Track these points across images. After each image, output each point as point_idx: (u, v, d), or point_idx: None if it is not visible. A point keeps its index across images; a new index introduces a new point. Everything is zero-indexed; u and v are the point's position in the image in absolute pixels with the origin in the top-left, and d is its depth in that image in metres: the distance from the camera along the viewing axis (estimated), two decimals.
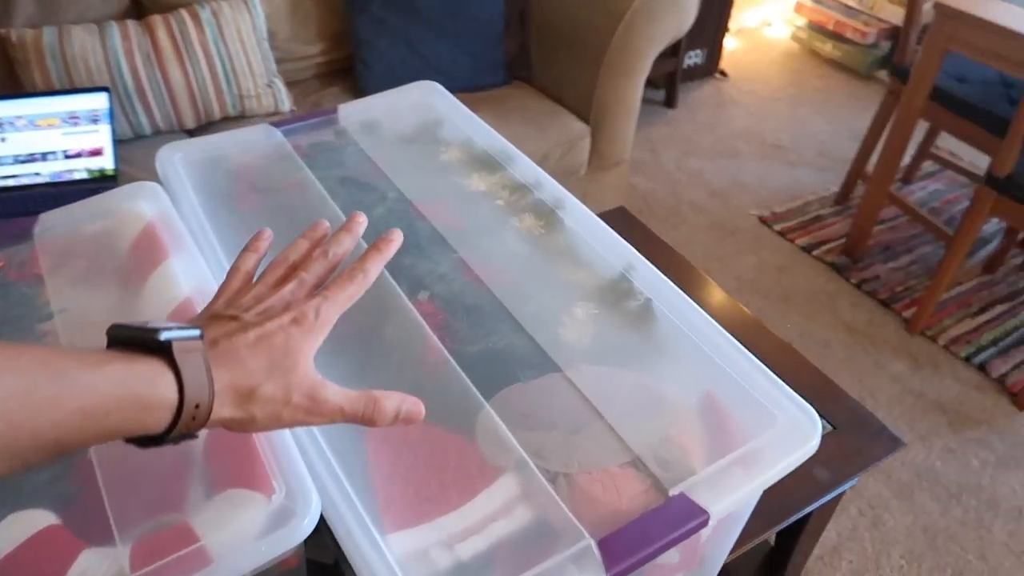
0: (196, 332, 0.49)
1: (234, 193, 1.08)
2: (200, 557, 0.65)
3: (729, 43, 3.38)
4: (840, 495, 1.23)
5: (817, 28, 3.44)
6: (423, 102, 1.35)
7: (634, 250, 1.04)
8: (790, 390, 0.85)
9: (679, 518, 0.71)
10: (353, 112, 1.30)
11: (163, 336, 0.46)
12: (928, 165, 2.70)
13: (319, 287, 0.59)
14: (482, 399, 0.83)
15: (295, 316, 0.54)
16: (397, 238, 0.62)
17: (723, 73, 3.27)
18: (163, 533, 0.67)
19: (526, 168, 1.19)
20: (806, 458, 0.80)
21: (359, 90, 2.05)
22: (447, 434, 0.81)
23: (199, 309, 0.86)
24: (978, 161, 2.72)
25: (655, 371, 0.90)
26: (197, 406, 0.47)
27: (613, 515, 0.72)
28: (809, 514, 1.21)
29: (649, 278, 1.01)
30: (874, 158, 2.29)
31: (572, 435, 0.80)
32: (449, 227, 1.09)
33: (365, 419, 0.56)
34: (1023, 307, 2.16)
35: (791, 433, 0.81)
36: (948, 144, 2.73)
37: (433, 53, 2.06)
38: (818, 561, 1.53)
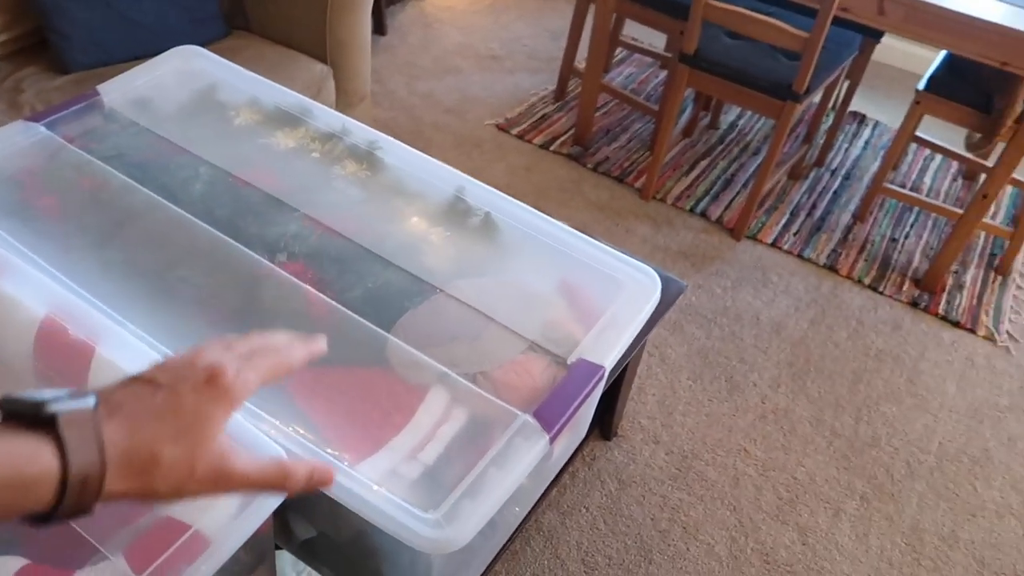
0: (90, 401, 0.46)
1: (27, 204, 0.99)
2: (198, 541, 0.68)
3: None
4: (645, 342, 1.48)
5: None
6: (188, 68, 1.31)
7: (458, 172, 1.14)
8: (627, 257, 1.03)
9: (584, 377, 0.86)
10: (115, 90, 1.23)
11: (50, 408, 0.44)
12: (619, 52, 3.05)
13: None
14: (384, 333, 0.91)
15: (210, 377, 0.50)
16: (323, 346, 0.59)
17: None
18: (152, 532, 0.68)
19: (328, 116, 1.23)
20: (654, 308, 0.99)
21: (65, 65, 1.84)
22: (366, 370, 0.88)
23: (64, 324, 0.84)
24: (656, 42, 3.14)
25: (515, 271, 1.03)
26: (85, 480, 0.44)
27: (533, 392, 0.85)
28: (627, 363, 1.45)
29: (480, 194, 1.12)
30: (578, 54, 2.55)
31: (474, 340, 0.91)
32: (278, 188, 1.11)
33: (276, 488, 0.53)
34: (720, 159, 2.61)
35: (639, 292, 0.99)
36: (631, 31, 3.10)
37: (138, 11, 1.90)
38: (631, 402, 1.81)
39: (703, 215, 2.38)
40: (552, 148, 2.57)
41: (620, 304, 0.95)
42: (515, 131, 2.62)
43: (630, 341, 0.92)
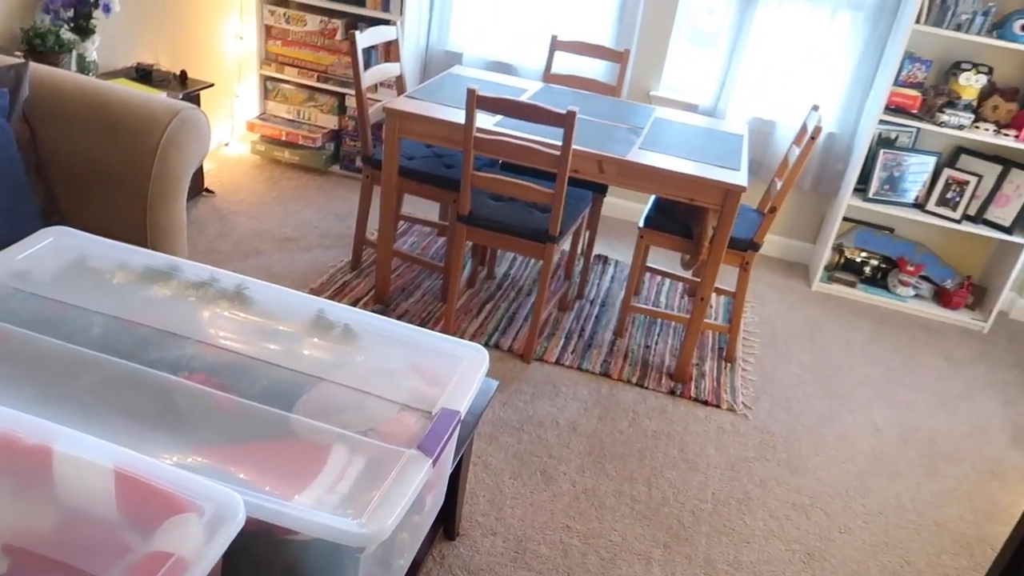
0: None
1: None
2: (180, 565, 0.87)
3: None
4: (471, 442, 1.78)
5: (272, 141, 4.06)
6: (58, 244, 1.51)
7: (314, 296, 1.43)
8: (458, 339, 1.36)
9: (448, 419, 1.16)
10: None
11: None
12: (401, 225, 3.51)
13: None
14: (287, 413, 1.16)
15: None
16: None
17: (210, 191, 3.64)
18: (137, 566, 0.85)
19: (195, 269, 1.48)
20: (486, 372, 1.32)
21: None
22: (278, 442, 1.11)
23: (16, 433, 1.00)
24: (430, 214, 3.65)
25: (375, 360, 1.33)
26: None
27: (412, 436, 1.13)
28: (461, 459, 1.73)
29: (337, 311, 1.42)
30: (367, 228, 2.95)
31: (358, 409, 1.18)
32: (168, 325, 1.33)
33: None
34: (501, 301, 3.07)
35: (474, 361, 1.32)
36: (408, 208, 3.59)
37: None
38: (467, 505, 2.06)
39: (496, 346, 2.78)
40: (357, 308, 2.88)
41: (462, 369, 1.27)
42: (324, 296, 2.91)
43: (475, 393, 1.23)
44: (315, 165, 4.05)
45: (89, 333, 1.25)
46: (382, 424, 1.15)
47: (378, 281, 2.92)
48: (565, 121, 2.30)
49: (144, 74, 3.32)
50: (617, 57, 3.30)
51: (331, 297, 2.93)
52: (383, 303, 2.94)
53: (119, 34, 3.31)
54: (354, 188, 3.95)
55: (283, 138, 4.02)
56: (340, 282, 3.04)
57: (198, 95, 3.41)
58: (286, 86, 4.02)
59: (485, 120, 2.66)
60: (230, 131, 4.23)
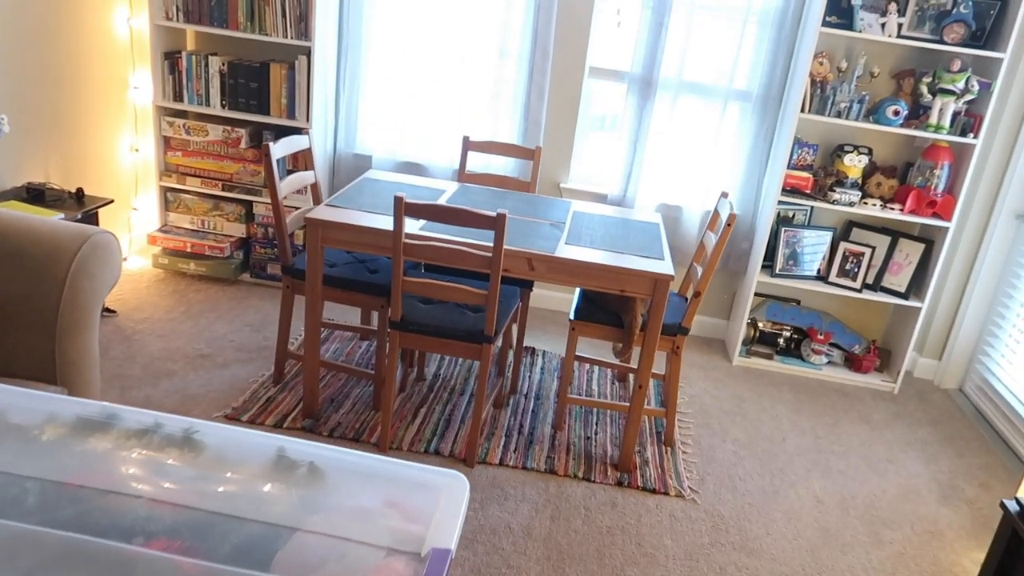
0: None
1: None
2: None
3: None
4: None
5: (176, 253, 3.89)
6: None
7: (271, 434, 1.34)
8: (432, 467, 1.30)
9: (440, 560, 1.09)
10: None
11: None
12: (322, 332, 3.40)
13: None
14: (265, 575, 1.06)
15: None
16: None
17: (111, 311, 3.43)
18: None
19: (136, 415, 1.36)
20: (467, 504, 1.25)
21: None
22: None
23: None
24: (350, 319, 3.55)
25: (349, 499, 1.24)
26: None
27: None
28: None
29: (299, 448, 1.33)
30: (290, 338, 2.83)
31: (341, 559, 1.09)
32: (111, 483, 1.21)
33: None
34: (435, 404, 2.99)
35: (454, 489, 1.26)
36: (325, 313, 3.49)
37: None
38: None
39: (437, 452, 2.69)
40: (285, 425, 2.73)
41: (442, 500, 1.21)
42: (245, 417, 2.75)
43: (460, 526, 1.16)
44: (224, 275, 3.89)
45: (23, 503, 1.12)
46: (370, 574, 1.06)
47: (306, 395, 2.79)
48: (496, 224, 2.31)
49: (36, 194, 3.13)
50: (529, 154, 3.38)
51: (256, 416, 2.77)
52: (312, 417, 2.80)
53: (7, 153, 3.13)
54: (266, 296, 3.81)
55: (188, 249, 3.86)
56: (264, 398, 2.89)
57: (96, 213, 3.24)
58: (188, 196, 3.89)
59: (410, 224, 2.64)
60: (128, 246, 4.03)
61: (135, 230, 4.02)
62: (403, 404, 2.97)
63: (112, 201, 3.35)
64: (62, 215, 3.02)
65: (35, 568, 1.00)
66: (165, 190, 3.90)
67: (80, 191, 3.25)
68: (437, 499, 1.22)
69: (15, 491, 1.12)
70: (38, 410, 1.33)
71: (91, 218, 3.20)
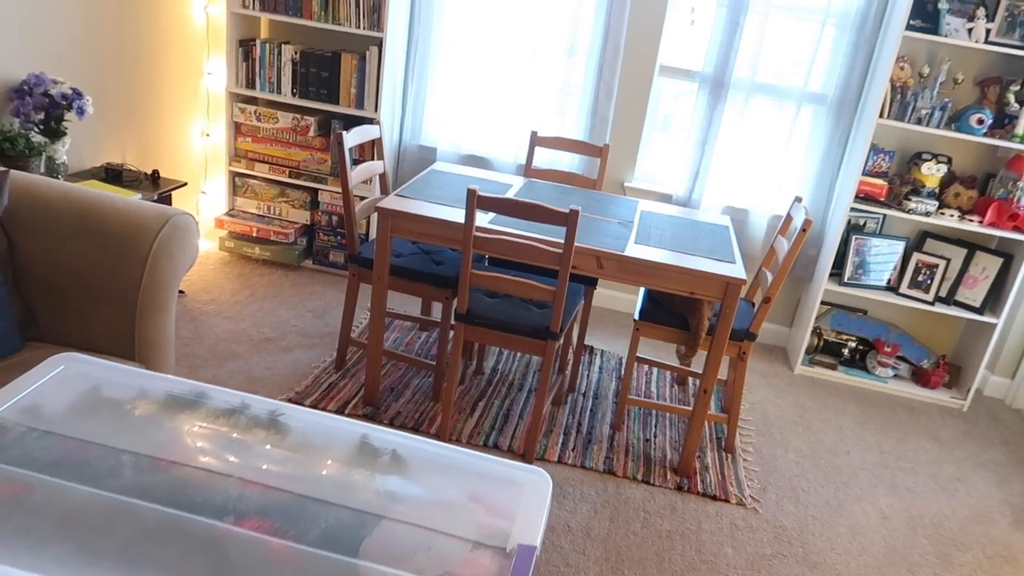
0: None
1: None
2: None
3: None
4: None
5: (241, 237, 3.96)
6: (67, 374, 1.39)
7: (357, 421, 1.34)
8: (516, 463, 1.29)
9: (526, 557, 1.08)
10: None
11: None
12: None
13: None
14: (354, 559, 1.06)
15: None
16: None
17: (181, 292, 3.50)
18: None
19: (225, 395, 1.38)
20: (549, 504, 1.25)
21: None
22: None
23: None
24: (409, 309, 3.57)
25: (433, 490, 1.24)
26: None
27: None
28: None
29: (382, 436, 1.34)
30: (355, 327, 2.85)
31: (428, 551, 1.09)
32: (203, 462, 1.23)
33: None
34: (494, 398, 2.99)
35: (537, 486, 1.25)
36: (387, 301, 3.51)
37: None
38: None
39: (495, 446, 2.68)
40: (347, 412, 2.76)
41: (526, 497, 1.19)
42: (307, 402, 2.78)
43: (545, 523, 1.15)
44: (288, 260, 3.95)
45: (119, 476, 1.14)
46: (457, 566, 1.05)
47: (368, 383, 2.81)
48: (568, 220, 2.29)
49: (114, 175, 3.22)
50: (597, 152, 3.35)
51: (318, 402, 2.80)
52: (373, 405, 2.82)
53: (87, 135, 3.22)
54: (328, 283, 3.86)
55: (254, 234, 3.93)
56: (326, 384, 2.92)
57: (170, 195, 3.32)
58: (255, 182, 3.96)
59: (480, 218, 2.64)
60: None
61: (203, 213, 4.11)
62: (461, 396, 2.97)
63: (186, 184, 3.42)
64: (140, 196, 3.10)
65: (135, 537, 1.02)
66: (234, 175, 3.97)
67: (156, 173, 3.32)
68: (521, 495, 1.21)
69: (111, 464, 1.15)
70: (130, 385, 1.36)
71: (166, 199, 3.27)
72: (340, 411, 2.76)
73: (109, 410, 1.28)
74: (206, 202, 4.13)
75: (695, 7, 3.69)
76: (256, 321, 3.35)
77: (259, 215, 4.01)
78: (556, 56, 3.74)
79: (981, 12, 3.20)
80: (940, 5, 3.24)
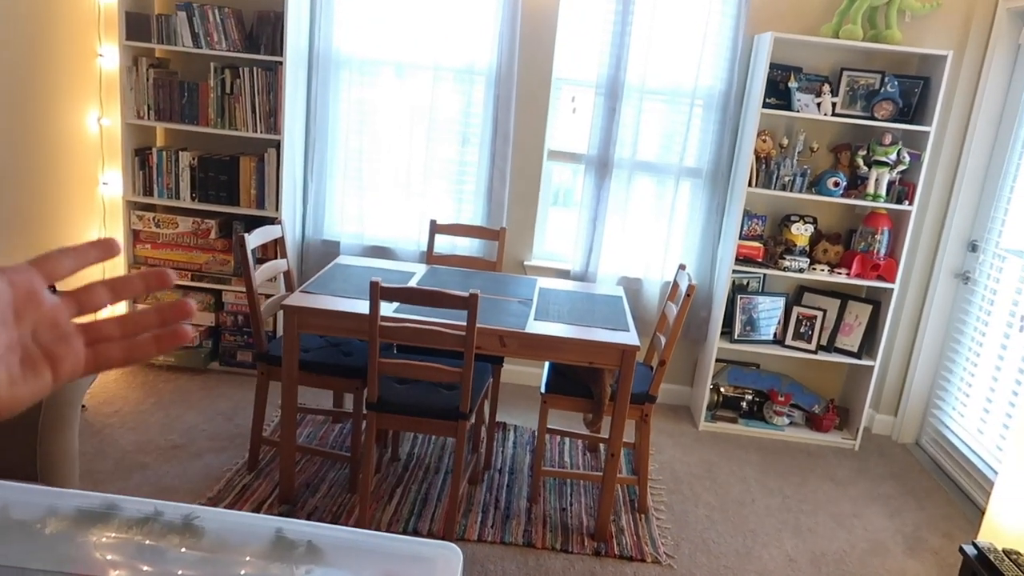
0: None
1: None
2: None
3: None
4: None
5: None
6: None
7: (271, 517, 1.39)
8: (426, 540, 1.36)
9: None
10: None
11: None
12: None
13: None
14: None
15: None
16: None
17: (82, 406, 3.41)
18: None
19: (136, 504, 1.40)
20: (460, 573, 1.32)
21: None
22: None
23: None
24: (322, 403, 3.58)
25: (351, 574, 1.29)
26: None
27: None
28: None
29: (297, 528, 1.38)
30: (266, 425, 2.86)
31: None
32: (120, 574, 1.25)
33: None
34: (411, 483, 3.02)
35: (450, 560, 1.32)
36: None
37: None
38: None
39: (415, 532, 2.71)
40: (262, 512, 2.73)
41: (438, 572, 1.26)
42: (221, 506, 2.74)
43: None
44: (194, 364, 3.91)
45: None
46: None
47: (283, 480, 2.80)
48: (468, 303, 2.41)
49: None
50: (494, 235, 3.52)
51: (232, 504, 2.77)
52: (289, 503, 2.81)
53: None
54: (236, 384, 3.83)
55: None
56: (239, 486, 2.89)
57: None
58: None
59: (385, 307, 2.73)
60: None
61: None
62: (379, 485, 2.99)
63: None
64: None
65: None
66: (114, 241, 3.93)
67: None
68: (433, 570, 1.27)
69: None
70: (38, 504, 1.37)
71: None
72: (256, 512, 2.73)
73: (17, 531, 1.29)
74: (106, 312, 4.06)
75: (575, 96, 3.97)
76: (163, 429, 3.29)
77: None
78: (451, 145, 3.93)
79: (826, 88, 3.59)
80: (790, 84, 3.61)
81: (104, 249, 0.63)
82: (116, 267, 4.00)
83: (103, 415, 3.37)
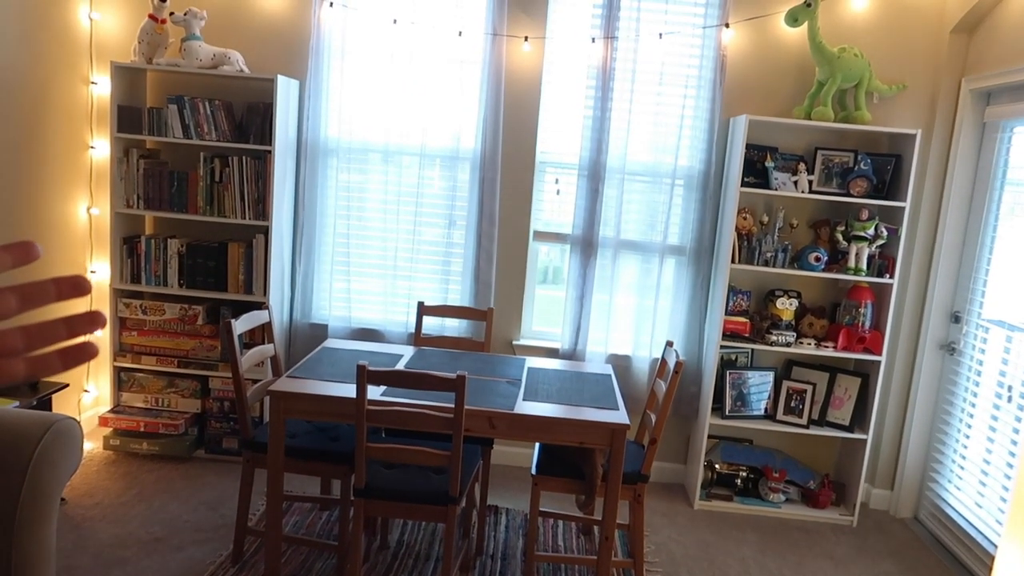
0: None
1: None
2: None
3: None
4: None
5: (128, 433, 3.83)
6: None
7: None
8: None
9: None
10: None
11: None
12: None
13: None
14: None
15: None
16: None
17: (62, 499, 3.32)
18: None
19: None
20: None
21: None
22: None
23: None
24: (306, 487, 3.51)
25: None
26: None
27: None
28: None
29: None
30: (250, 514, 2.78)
31: None
32: None
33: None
34: (401, 572, 2.93)
35: None
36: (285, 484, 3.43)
37: None
38: None
39: None
40: None
41: None
42: None
43: None
44: (178, 453, 3.83)
45: None
46: None
47: (268, 572, 2.71)
48: (456, 385, 2.40)
49: None
50: (482, 316, 3.53)
51: None
52: None
53: None
54: (221, 472, 3.75)
55: (141, 429, 3.81)
56: None
57: (50, 398, 3.22)
58: (142, 375, 3.89)
59: (372, 391, 2.70)
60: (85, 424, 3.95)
61: (86, 412, 3.97)
62: (368, 575, 2.90)
63: (67, 385, 3.34)
64: (17, 403, 3.00)
65: None
66: (119, 370, 3.90)
67: None
68: None
69: None
70: None
71: (46, 404, 3.17)
72: None
73: None
74: (89, 399, 4.00)
75: (559, 178, 4.06)
76: (145, 521, 3.20)
77: (146, 408, 3.91)
78: (437, 227, 3.99)
79: (802, 167, 3.69)
80: (767, 163, 3.71)
81: (20, 252, 0.59)
82: (103, 356, 3.96)
83: (83, 507, 3.27)
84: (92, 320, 0.61)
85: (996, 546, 3.18)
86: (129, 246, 3.82)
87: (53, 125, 3.59)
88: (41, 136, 3.52)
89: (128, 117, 3.69)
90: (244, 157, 3.71)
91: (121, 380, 3.91)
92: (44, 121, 3.53)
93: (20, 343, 0.59)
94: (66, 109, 3.68)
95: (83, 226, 3.85)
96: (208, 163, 3.74)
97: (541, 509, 3.20)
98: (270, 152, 3.66)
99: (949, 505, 3.60)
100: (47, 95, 3.54)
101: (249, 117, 3.71)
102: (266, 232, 3.76)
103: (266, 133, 3.68)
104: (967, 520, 3.44)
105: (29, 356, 0.60)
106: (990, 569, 3.13)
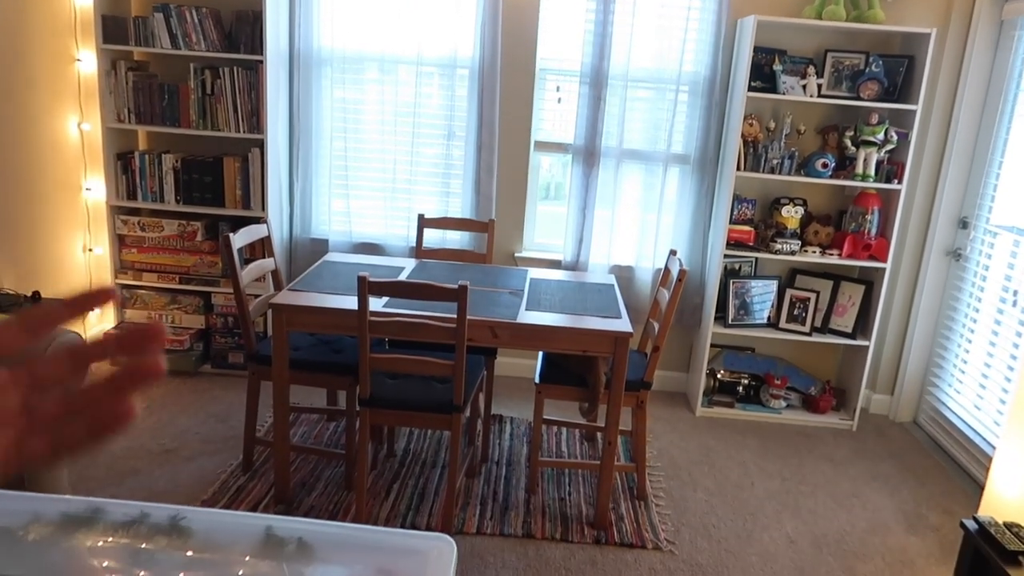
0: None
1: None
2: None
3: None
4: None
5: None
6: None
7: (260, 514, 1.36)
8: (420, 532, 1.34)
9: None
10: None
11: None
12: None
13: None
14: None
15: None
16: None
17: None
18: None
19: (123, 507, 1.38)
20: (454, 567, 1.29)
21: None
22: None
23: None
24: (315, 401, 3.56)
25: (343, 571, 1.27)
26: None
27: None
28: None
29: (287, 525, 1.36)
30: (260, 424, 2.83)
31: None
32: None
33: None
34: (408, 479, 2.99)
35: (443, 553, 1.30)
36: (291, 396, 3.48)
37: None
38: None
39: (413, 526, 2.68)
40: (258, 513, 2.70)
41: (431, 565, 1.24)
42: (221, 504, 2.71)
43: None
44: (185, 368, 3.87)
45: None
46: None
47: (278, 480, 2.77)
48: (458, 296, 2.39)
49: None
50: (483, 228, 3.50)
51: (227, 505, 2.74)
52: (285, 503, 2.78)
53: None
54: (228, 386, 3.79)
55: None
56: (234, 487, 2.86)
57: None
58: (144, 292, 3.90)
59: (374, 302, 2.70)
60: None
61: (91, 331, 3.99)
62: (375, 481, 2.97)
63: None
64: None
65: None
66: (121, 288, 3.90)
67: (36, 294, 3.23)
68: (426, 563, 1.25)
69: None
70: (22, 511, 1.34)
71: None
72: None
73: (1, 539, 1.26)
74: (93, 318, 4.02)
75: (560, 86, 3.95)
76: (155, 434, 3.26)
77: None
78: (437, 140, 3.90)
79: (811, 70, 3.57)
80: (775, 67, 3.60)
81: (100, 297, 0.50)
82: (104, 273, 3.96)
83: None
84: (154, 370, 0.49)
85: (994, 447, 3.24)
86: (123, 162, 3.75)
87: (37, 37, 3.47)
88: (25, 49, 3.40)
89: (113, 27, 3.56)
90: (235, 68, 3.60)
91: (124, 298, 3.91)
92: (27, 33, 3.41)
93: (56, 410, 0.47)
94: (49, 20, 3.55)
95: (75, 142, 3.78)
96: (199, 75, 3.63)
97: (544, 417, 3.24)
98: (262, 62, 3.55)
99: (948, 408, 3.65)
100: (26, 5, 3.41)
101: (238, 26, 3.58)
102: (261, 146, 3.68)
103: (256, 42, 3.56)
104: (966, 423, 3.49)
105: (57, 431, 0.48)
106: (988, 469, 3.19)
